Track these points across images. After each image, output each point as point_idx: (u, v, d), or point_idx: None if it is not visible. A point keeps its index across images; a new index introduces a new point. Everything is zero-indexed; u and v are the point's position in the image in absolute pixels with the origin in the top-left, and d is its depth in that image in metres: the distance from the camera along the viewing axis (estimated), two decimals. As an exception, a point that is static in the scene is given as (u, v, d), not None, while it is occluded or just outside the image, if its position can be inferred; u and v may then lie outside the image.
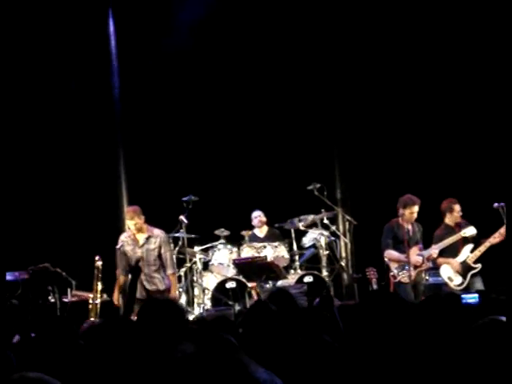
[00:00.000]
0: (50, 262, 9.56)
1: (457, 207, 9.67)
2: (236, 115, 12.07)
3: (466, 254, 9.59)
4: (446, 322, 4.12)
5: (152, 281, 9.10)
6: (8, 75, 11.25)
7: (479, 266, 9.55)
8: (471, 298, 7.20)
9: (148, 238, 9.13)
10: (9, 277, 9.41)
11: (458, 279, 9.55)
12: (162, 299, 4.45)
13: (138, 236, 9.13)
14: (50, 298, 9.46)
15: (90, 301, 9.09)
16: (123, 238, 9.21)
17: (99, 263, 9.03)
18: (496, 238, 9.43)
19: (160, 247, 9.14)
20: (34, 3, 11.30)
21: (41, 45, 11.31)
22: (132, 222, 9.06)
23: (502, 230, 9.35)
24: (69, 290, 9.52)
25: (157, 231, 9.21)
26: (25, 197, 11.30)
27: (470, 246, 9.60)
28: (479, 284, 9.52)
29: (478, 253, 9.53)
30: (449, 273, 9.59)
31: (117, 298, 9.02)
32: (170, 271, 9.19)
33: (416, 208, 9.45)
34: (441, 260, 9.59)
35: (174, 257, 9.84)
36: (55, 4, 11.35)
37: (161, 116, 11.98)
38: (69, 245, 11.05)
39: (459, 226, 9.65)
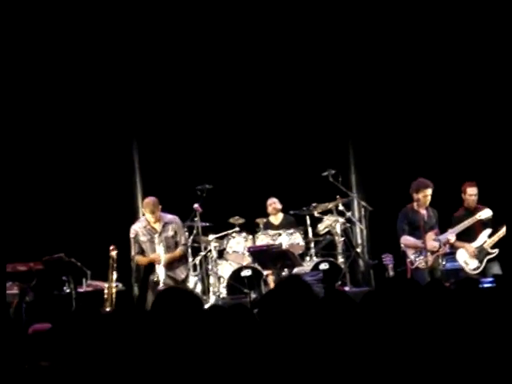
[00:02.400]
0: (64, 252, 9.56)
1: (469, 190, 9.59)
2: (251, 102, 12.02)
3: (484, 238, 9.51)
4: (464, 307, 4.07)
5: (174, 271, 9.12)
6: (23, 65, 11.23)
7: (496, 251, 9.47)
8: (489, 283, 7.15)
9: (164, 226, 9.11)
10: (22, 267, 9.40)
11: (473, 263, 9.47)
12: (178, 289, 4.42)
13: (154, 225, 9.10)
14: (64, 288, 9.46)
15: (106, 290, 9.08)
16: (136, 228, 9.18)
17: (114, 253, 9.02)
18: None
19: (176, 232, 9.15)
20: None
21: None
22: (153, 214, 9.03)
23: None
24: (84, 279, 9.53)
25: (170, 217, 9.22)
26: (40, 187, 11.30)
27: (488, 231, 9.52)
28: (496, 268, 9.45)
29: (496, 238, 9.46)
30: (465, 257, 9.51)
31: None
32: (182, 243, 9.23)
33: (429, 191, 9.34)
34: (457, 244, 9.51)
35: (189, 245, 9.94)
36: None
37: (175, 104, 11.94)
38: (83, 235, 11.05)
39: (477, 210, 9.57)
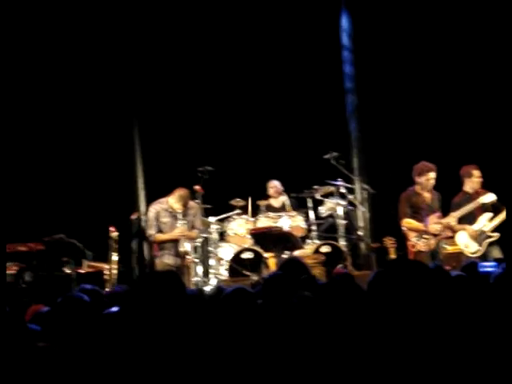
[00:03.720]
0: (64, 233, 9.53)
1: (476, 173, 9.48)
2: (253, 84, 11.97)
3: (484, 222, 9.44)
4: (464, 289, 4.05)
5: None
6: (20, 50, 11.17)
7: (497, 234, 9.39)
8: (489, 267, 7.11)
9: (186, 210, 9.29)
10: (23, 248, 9.38)
11: (473, 246, 9.40)
12: (161, 271, 4.37)
13: (176, 209, 9.24)
14: (65, 269, 9.44)
15: (106, 272, 9.07)
16: (158, 208, 9.32)
17: (114, 234, 9.01)
18: None
19: (195, 218, 9.42)
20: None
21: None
22: (184, 206, 9.20)
23: None
24: (84, 261, 9.51)
25: (191, 203, 9.43)
26: (40, 168, 11.27)
27: (488, 215, 9.45)
28: (497, 252, 9.38)
29: (496, 221, 9.39)
30: (465, 239, 9.44)
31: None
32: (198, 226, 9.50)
33: (432, 174, 9.28)
34: (457, 227, 9.44)
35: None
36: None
37: (176, 84, 11.89)
38: (84, 216, 11.02)
39: (478, 194, 9.48)
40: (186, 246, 9.23)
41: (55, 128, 11.44)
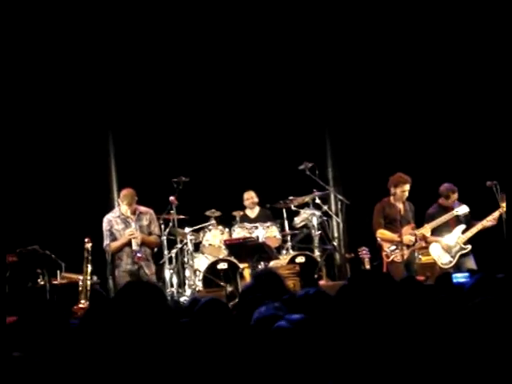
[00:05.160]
0: (38, 244, 9.48)
1: (454, 196, 9.66)
2: (226, 95, 11.99)
3: (457, 234, 9.57)
4: (437, 301, 4.08)
5: (147, 264, 9.22)
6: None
7: (469, 246, 9.56)
8: (462, 278, 7.19)
9: (139, 215, 9.24)
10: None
11: (446, 258, 9.54)
12: (141, 282, 4.38)
13: (128, 215, 9.19)
14: (39, 280, 9.38)
15: (80, 283, 9.03)
16: (110, 217, 9.32)
17: (89, 245, 8.98)
18: (489, 221, 9.44)
19: (150, 223, 9.29)
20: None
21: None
22: (130, 206, 9.13)
23: (496, 214, 9.35)
24: (58, 272, 9.46)
25: (145, 208, 9.37)
26: (14, 178, 11.18)
27: (462, 227, 9.59)
28: (471, 263, 9.51)
29: (469, 234, 9.53)
30: (438, 251, 9.57)
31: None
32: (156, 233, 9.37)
33: (407, 186, 9.40)
34: (431, 238, 9.57)
35: (165, 238, 9.96)
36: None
37: (151, 95, 11.87)
38: (58, 227, 10.97)
39: (452, 207, 9.62)
40: (136, 248, 9.04)
41: (30, 140, 11.37)
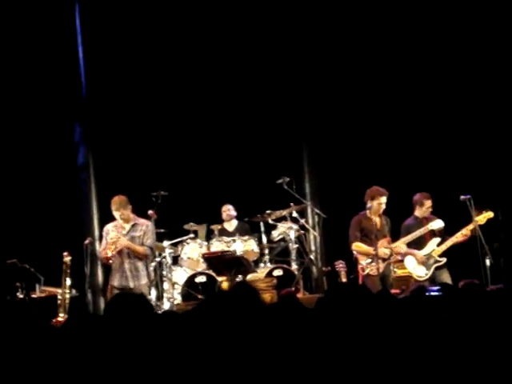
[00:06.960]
0: (17, 258, 9.49)
1: (428, 202, 9.74)
2: (205, 109, 12.04)
3: (432, 247, 9.68)
4: (412, 313, 4.17)
5: (137, 275, 9.16)
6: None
7: (444, 259, 9.66)
8: (435, 291, 7.29)
9: (134, 226, 9.20)
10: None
11: (421, 271, 9.63)
12: (130, 294, 4.44)
13: (124, 225, 9.18)
14: (18, 294, 9.39)
15: (59, 296, 9.05)
16: (108, 226, 9.31)
17: (68, 259, 9.01)
18: (459, 237, 9.57)
19: (144, 234, 9.18)
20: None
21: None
22: (118, 212, 9.11)
23: (464, 231, 9.50)
24: (37, 285, 9.48)
25: (143, 220, 9.31)
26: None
27: (436, 240, 9.70)
28: (445, 276, 9.62)
29: (443, 247, 9.65)
30: (413, 264, 9.67)
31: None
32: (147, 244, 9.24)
33: (384, 199, 9.48)
34: (406, 251, 9.67)
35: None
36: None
37: (130, 110, 11.92)
38: (37, 240, 10.97)
39: (427, 220, 9.73)
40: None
41: (9, 153, 11.38)
